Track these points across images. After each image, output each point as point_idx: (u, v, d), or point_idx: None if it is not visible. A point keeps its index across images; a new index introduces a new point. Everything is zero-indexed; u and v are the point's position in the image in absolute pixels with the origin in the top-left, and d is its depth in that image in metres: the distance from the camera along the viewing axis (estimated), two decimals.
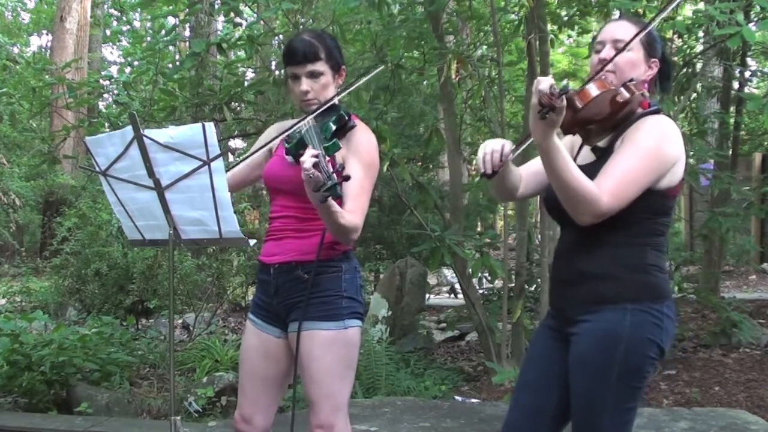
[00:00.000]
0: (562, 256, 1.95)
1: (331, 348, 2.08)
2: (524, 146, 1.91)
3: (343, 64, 2.21)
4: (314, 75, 2.13)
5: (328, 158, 1.81)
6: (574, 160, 1.93)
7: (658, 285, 1.82)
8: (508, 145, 1.82)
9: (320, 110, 2.10)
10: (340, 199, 1.97)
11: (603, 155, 1.85)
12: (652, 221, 1.82)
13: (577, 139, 1.98)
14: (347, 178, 1.81)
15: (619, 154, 1.78)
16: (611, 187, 1.72)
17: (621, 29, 1.87)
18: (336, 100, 2.17)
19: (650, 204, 1.78)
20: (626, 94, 1.79)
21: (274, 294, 2.17)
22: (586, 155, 1.94)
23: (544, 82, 1.61)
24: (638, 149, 1.76)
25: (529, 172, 2.04)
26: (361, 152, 2.11)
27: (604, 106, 1.78)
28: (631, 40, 1.82)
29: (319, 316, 2.09)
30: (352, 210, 2.02)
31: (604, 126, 1.84)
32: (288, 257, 2.13)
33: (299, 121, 2.10)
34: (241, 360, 2.28)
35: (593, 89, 1.76)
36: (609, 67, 1.82)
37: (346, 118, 2.12)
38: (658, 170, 1.76)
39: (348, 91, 2.31)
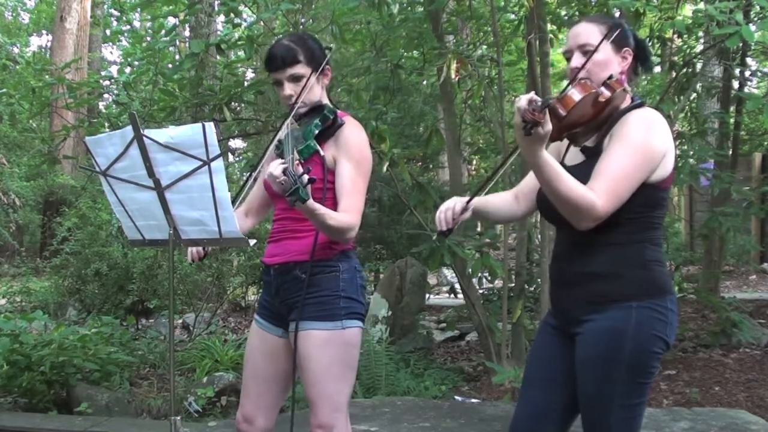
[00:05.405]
0: (560, 257, 1.95)
1: (328, 348, 2.08)
2: (483, 191, 1.99)
3: (328, 65, 2.19)
4: (295, 78, 2.12)
5: (298, 161, 1.80)
6: (562, 162, 1.94)
7: (660, 280, 1.83)
8: (460, 203, 1.94)
9: (292, 114, 2.09)
10: (333, 200, 1.99)
11: (592, 155, 1.85)
12: (648, 215, 1.82)
13: (562, 142, 1.99)
14: (312, 180, 1.79)
15: (609, 152, 1.78)
16: (606, 188, 1.72)
17: (583, 33, 1.88)
18: (324, 101, 2.17)
19: (645, 198, 1.79)
20: (607, 93, 1.80)
21: (275, 294, 2.18)
22: (574, 156, 1.94)
23: (523, 100, 1.62)
24: (627, 146, 1.76)
25: (526, 191, 2.08)
26: (351, 149, 2.10)
27: (587, 108, 1.79)
28: (595, 49, 1.82)
29: (315, 316, 2.09)
30: (346, 208, 2.01)
31: (590, 127, 1.85)
32: (286, 257, 2.15)
33: (280, 127, 2.10)
34: (245, 360, 2.29)
35: (575, 95, 1.75)
36: (581, 74, 1.82)
37: (331, 117, 2.11)
38: (649, 164, 1.77)
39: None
